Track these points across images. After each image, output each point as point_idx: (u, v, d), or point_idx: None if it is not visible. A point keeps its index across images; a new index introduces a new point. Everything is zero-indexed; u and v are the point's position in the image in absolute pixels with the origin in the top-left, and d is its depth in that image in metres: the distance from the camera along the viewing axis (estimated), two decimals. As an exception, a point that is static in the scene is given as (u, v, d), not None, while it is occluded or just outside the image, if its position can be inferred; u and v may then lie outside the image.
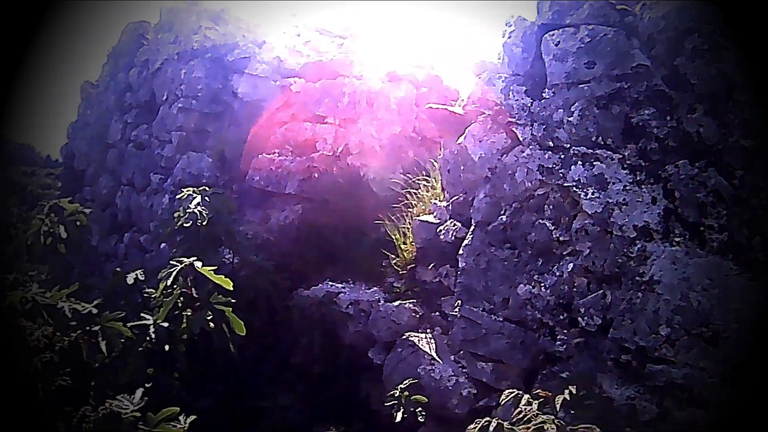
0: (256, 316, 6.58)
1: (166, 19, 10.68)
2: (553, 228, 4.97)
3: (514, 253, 5.22)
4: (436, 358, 5.78)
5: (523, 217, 5.14)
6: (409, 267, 7.02)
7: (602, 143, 4.73)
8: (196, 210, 6.31)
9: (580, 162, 4.80)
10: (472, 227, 5.55)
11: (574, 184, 4.80)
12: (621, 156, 4.64)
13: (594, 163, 4.73)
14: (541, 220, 5.04)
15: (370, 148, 9.28)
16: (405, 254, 7.02)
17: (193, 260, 5.48)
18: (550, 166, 4.96)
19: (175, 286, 5.43)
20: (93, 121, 12.26)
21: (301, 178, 8.31)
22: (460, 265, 5.56)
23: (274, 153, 8.67)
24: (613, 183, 4.63)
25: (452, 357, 5.83)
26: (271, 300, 6.86)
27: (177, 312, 5.42)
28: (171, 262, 5.54)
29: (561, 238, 4.92)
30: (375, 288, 7.20)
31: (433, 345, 6.00)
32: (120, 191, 10.75)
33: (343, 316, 6.72)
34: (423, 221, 6.84)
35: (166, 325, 5.31)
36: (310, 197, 8.33)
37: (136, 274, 5.94)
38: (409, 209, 7.39)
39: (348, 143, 8.95)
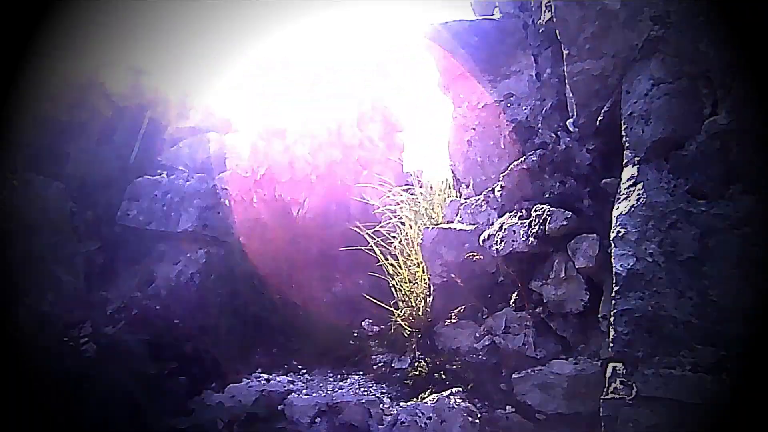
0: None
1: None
2: None
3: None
4: None
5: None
6: (418, 328, 3.67)
7: None
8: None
9: None
10: (634, 163, 2.29)
11: None
12: None
13: None
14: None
15: (305, 177, 6.13)
16: (413, 302, 3.66)
17: None
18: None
19: None
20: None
21: (203, 206, 4.86)
22: (616, 268, 2.23)
23: (160, 173, 5.22)
24: None
25: None
26: (142, 419, 3.15)
27: None
28: None
29: None
30: (357, 376, 3.71)
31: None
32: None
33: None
34: (446, 229, 3.60)
35: None
36: (217, 237, 4.86)
37: None
38: (393, 237, 4.15)
39: (270, 166, 5.74)
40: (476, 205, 3.59)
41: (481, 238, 3.33)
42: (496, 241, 3.20)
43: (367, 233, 3.97)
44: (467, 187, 3.87)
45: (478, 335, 3.38)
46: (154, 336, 3.79)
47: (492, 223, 3.37)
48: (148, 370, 3.19)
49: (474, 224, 3.53)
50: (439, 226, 3.69)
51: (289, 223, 5.66)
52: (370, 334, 4.34)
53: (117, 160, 5.58)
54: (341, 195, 6.55)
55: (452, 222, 3.76)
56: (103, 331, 3.85)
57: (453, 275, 3.51)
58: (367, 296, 3.94)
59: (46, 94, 5.77)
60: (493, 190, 3.47)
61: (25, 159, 5.59)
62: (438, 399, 2.89)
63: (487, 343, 3.30)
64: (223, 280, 4.73)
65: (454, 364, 3.26)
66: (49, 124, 5.65)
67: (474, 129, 3.82)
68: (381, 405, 2.99)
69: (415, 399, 3.17)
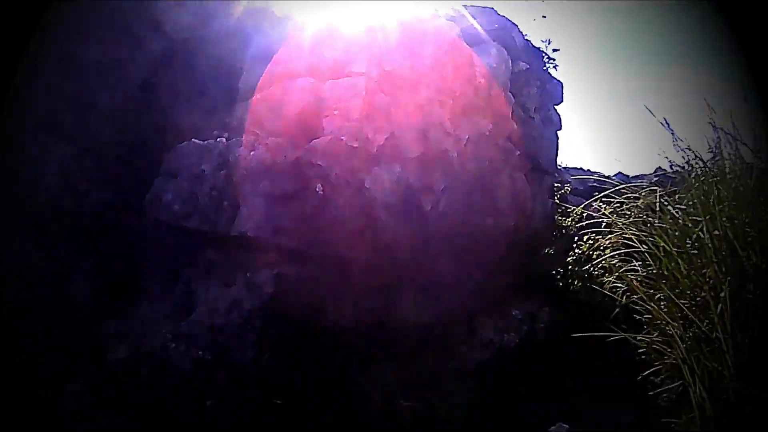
0: None
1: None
2: None
3: None
4: None
5: None
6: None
7: None
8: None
9: None
10: None
11: None
12: None
13: None
14: None
15: (442, 152, 3.96)
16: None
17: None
18: None
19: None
20: None
21: (278, 193, 2.81)
22: None
23: (218, 137, 3.21)
24: None
25: None
26: None
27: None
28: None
29: None
30: None
31: None
32: None
33: None
34: None
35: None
36: (297, 249, 2.78)
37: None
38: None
39: (394, 132, 3.62)
40: None
41: None
42: None
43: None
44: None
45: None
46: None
47: None
48: None
49: None
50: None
51: (419, 223, 3.49)
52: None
53: (163, 115, 3.63)
54: (488, 181, 4.31)
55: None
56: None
57: None
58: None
59: (72, 24, 3.88)
60: None
61: (42, 112, 3.76)
62: None
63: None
64: (304, 327, 2.64)
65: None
66: (74, 64, 3.75)
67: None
68: None
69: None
